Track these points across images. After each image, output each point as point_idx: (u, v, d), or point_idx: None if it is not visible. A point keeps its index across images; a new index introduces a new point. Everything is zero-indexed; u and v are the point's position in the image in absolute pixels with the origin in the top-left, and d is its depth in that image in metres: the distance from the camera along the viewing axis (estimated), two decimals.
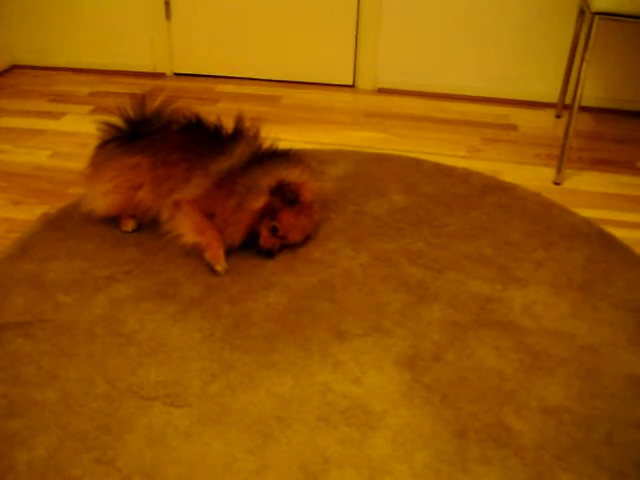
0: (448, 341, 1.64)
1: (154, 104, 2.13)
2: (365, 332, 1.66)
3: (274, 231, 1.92)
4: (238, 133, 2.05)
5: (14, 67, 3.71)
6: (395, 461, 1.33)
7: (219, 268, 1.87)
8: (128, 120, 2.11)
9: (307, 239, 2.01)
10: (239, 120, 2.07)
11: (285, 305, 1.75)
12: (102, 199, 2.06)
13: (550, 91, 3.06)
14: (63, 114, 3.07)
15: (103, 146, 2.12)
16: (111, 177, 2.04)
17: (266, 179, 1.90)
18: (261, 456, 1.34)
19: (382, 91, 3.26)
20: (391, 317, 1.71)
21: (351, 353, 1.59)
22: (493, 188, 2.32)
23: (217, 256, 1.88)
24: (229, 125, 2.07)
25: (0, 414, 1.45)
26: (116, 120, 2.12)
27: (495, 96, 3.15)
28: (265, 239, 1.93)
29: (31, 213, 2.25)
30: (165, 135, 2.07)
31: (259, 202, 1.88)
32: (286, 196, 1.88)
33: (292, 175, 1.93)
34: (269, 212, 1.89)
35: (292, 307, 1.75)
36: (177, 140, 2.05)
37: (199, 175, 1.95)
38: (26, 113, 3.10)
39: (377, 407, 1.45)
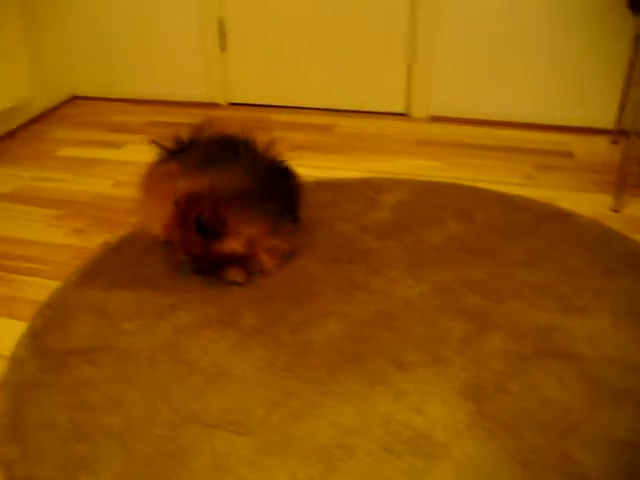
0: (510, 371, 1.62)
1: (208, 132, 2.18)
2: (426, 362, 1.65)
3: None
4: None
5: (74, 98, 3.83)
6: None
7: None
8: (181, 145, 2.18)
9: None
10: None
11: (345, 334, 1.76)
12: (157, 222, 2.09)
13: (606, 117, 3.04)
14: (123, 144, 3.15)
15: (155, 167, 2.19)
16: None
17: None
18: None
19: (435, 119, 3.27)
20: (452, 347, 1.70)
21: (413, 383, 1.59)
22: (551, 215, 2.31)
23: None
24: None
25: (67, 438, 1.48)
26: (170, 145, 2.20)
27: (550, 123, 3.13)
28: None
29: (93, 241, 2.30)
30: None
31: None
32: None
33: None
34: None
35: (352, 336, 1.75)
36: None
37: None
38: (87, 143, 3.19)
39: (441, 438, 1.44)
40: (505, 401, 1.53)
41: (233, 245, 1.87)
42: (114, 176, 2.81)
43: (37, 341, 1.79)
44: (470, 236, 2.18)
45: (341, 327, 1.78)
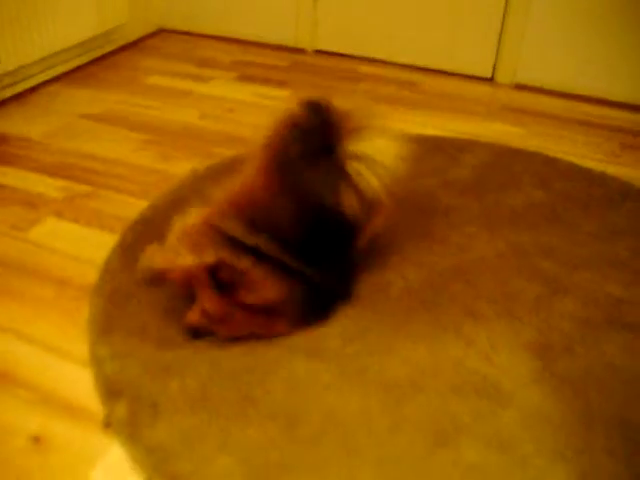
0: (579, 335, 1.67)
1: None
2: (498, 316, 1.72)
3: None
4: None
5: (161, 30, 3.91)
6: (523, 440, 1.38)
7: None
8: None
9: None
10: None
11: (421, 282, 1.83)
12: None
13: None
14: (210, 78, 3.22)
15: None
16: None
17: None
18: (396, 414, 1.42)
19: (519, 87, 3.26)
20: (524, 305, 1.76)
21: (484, 333, 1.66)
22: (631, 193, 2.31)
23: None
24: None
25: (155, 345, 1.58)
26: None
27: (637, 103, 3.10)
28: None
29: (180, 167, 2.39)
30: None
31: None
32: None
33: None
34: None
35: (428, 284, 1.82)
36: None
37: None
38: (173, 74, 3.27)
39: (507, 387, 1.51)
40: (572, 362, 1.59)
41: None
42: (201, 108, 2.89)
43: (128, 254, 1.89)
44: (548, 204, 2.21)
45: (418, 275, 1.85)
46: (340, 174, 1.60)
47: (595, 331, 1.69)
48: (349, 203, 1.59)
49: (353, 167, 1.61)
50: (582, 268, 1.91)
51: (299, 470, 1.30)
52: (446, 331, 1.66)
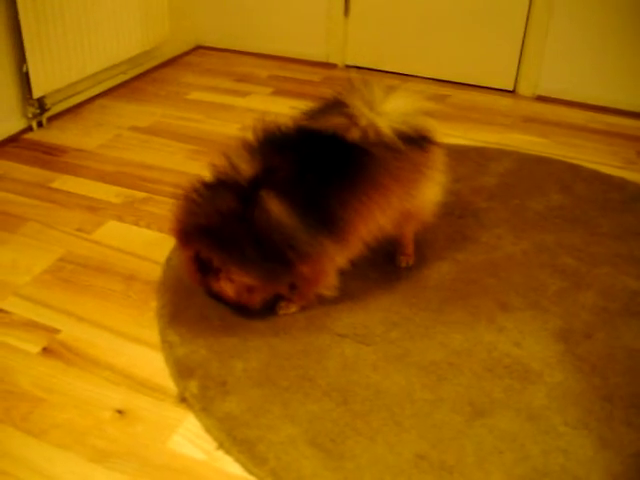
0: (598, 323, 1.85)
1: None
2: (526, 306, 1.90)
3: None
4: None
5: (198, 47, 4.12)
6: (550, 411, 1.57)
7: None
8: None
9: None
10: None
11: (455, 276, 2.02)
12: None
13: None
14: (248, 93, 3.43)
15: None
16: None
17: None
18: (436, 391, 1.61)
19: (540, 99, 3.44)
20: (549, 297, 1.94)
21: (513, 322, 1.84)
22: None
23: None
24: None
25: (218, 332, 1.79)
26: None
27: None
28: None
29: None
30: None
31: None
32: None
33: None
34: None
35: (461, 278, 2.01)
36: None
37: None
38: (214, 89, 3.49)
39: (535, 367, 1.69)
40: (592, 346, 1.77)
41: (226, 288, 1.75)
42: (241, 120, 3.09)
43: None
44: (569, 207, 2.40)
45: (452, 270, 2.04)
46: (340, 110, 1.84)
47: (613, 319, 1.87)
48: (339, 125, 1.81)
49: (352, 102, 1.83)
50: (600, 264, 2.10)
51: (354, 438, 1.49)
52: (479, 319, 1.85)
